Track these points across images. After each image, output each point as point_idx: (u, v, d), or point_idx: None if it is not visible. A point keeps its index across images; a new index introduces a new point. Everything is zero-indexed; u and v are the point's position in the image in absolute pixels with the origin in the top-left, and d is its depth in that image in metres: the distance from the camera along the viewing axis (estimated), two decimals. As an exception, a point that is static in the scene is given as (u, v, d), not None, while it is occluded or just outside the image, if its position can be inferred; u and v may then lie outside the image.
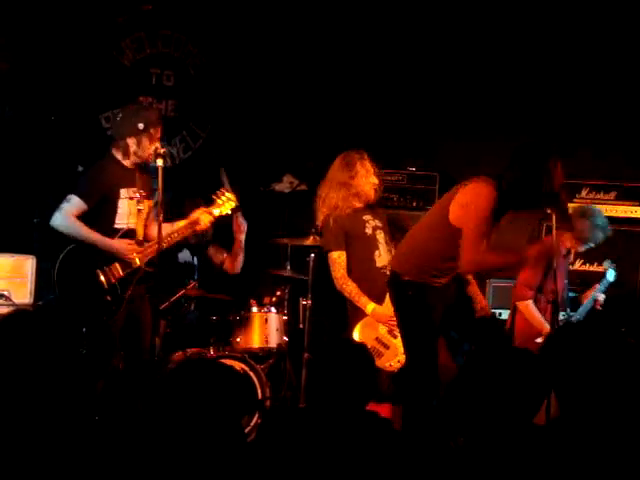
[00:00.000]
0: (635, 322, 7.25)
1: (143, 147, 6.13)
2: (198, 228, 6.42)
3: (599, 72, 8.27)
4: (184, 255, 7.63)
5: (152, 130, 6.13)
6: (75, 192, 6.05)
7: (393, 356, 6.41)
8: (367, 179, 6.57)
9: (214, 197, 6.50)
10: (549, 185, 5.30)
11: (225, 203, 6.52)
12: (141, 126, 6.10)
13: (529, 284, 6.80)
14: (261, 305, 7.25)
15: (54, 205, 6.14)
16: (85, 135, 8.01)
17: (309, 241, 7.01)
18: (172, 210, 6.89)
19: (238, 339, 7.05)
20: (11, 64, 7.84)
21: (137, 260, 6.12)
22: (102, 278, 6.07)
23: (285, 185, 8.42)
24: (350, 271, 6.56)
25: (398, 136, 8.37)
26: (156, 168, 5.90)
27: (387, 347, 6.42)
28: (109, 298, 6.10)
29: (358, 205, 6.58)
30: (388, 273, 6.53)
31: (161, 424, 3.47)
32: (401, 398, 6.45)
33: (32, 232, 7.26)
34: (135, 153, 6.17)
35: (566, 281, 6.92)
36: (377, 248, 6.59)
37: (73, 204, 6.02)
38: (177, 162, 8.46)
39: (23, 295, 6.42)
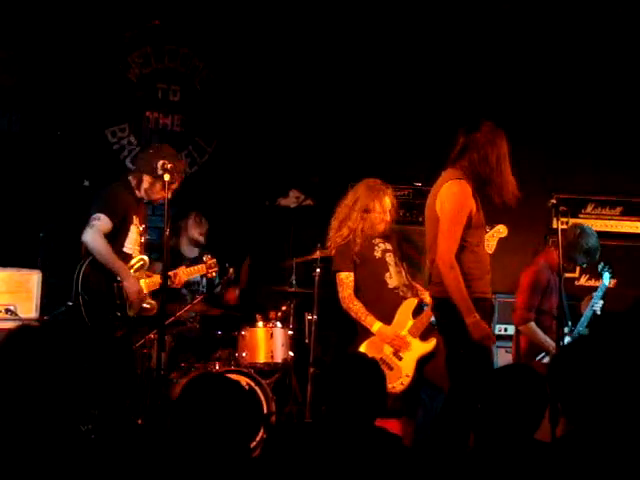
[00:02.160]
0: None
1: (153, 190, 6.28)
2: (177, 281, 6.62)
3: (603, 88, 8.30)
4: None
5: (169, 178, 6.07)
6: (103, 211, 6.07)
7: (396, 378, 6.38)
8: (381, 215, 6.62)
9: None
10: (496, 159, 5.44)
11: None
12: (160, 171, 6.12)
13: (528, 307, 6.78)
14: (267, 320, 7.23)
15: (58, 220, 6.17)
16: (91, 150, 8.03)
17: (315, 256, 7.01)
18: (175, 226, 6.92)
19: (244, 354, 7.04)
20: (18, 79, 7.87)
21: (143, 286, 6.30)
22: (117, 291, 6.16)
23: (291, 200, 8.41)
24: (362, 293, 6.56)
25: (404, 152, 8.37)
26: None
27: (391, 368, 6.39)
28: (119, 314, 6.18)
29: (368, 234, 6.61)
30: (401, 294, 6.56)
31: (166, 438, 3.46)
32: (410, 413, 6.46)
33: (38, 247, 7.28)
34: (145, 190, 6.31)
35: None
36: (387, 270, 6.60)
37: (104, 222, 6.06)
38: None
39: (28, 310, 6.40)
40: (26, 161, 7.83)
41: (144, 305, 6.32)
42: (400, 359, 6.40)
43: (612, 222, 8.01)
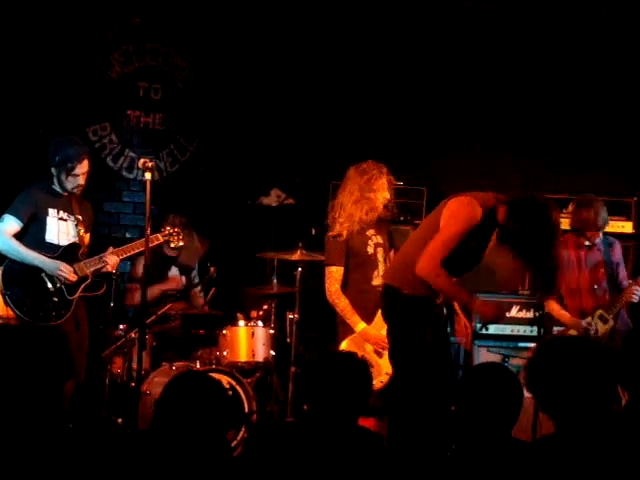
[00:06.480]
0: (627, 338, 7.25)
1: (61, 179, 6.44)
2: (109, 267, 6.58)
3: (585, 88, 8.32)
4: (173, 272, 7.64)
5: (70, 165, 6.37)
6: (7, 212, 6.36)
7: (376, 375, 6.36)
8: (381, 194, 6.51)
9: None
10: (547, 247, 5.27)
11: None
12: (57, 159, 6.39)
13: None
14: (248, 319, 7.23)
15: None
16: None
17: (296, 255, 6.99)
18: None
19: (225, 353, 7.03)
20: (-2, 77, 7.84)
21: (77, 269, 6.39)
22: (47, 279, 6.33)
23: (272, 199, 8.41)
24: (346, 287, 6.54)
25: (386, 150, 8.34)
26: (143, 182, 5.93)
27: (371, 366, 6.37)
28: (56, 299, 6.33)
29: (369, 218, 6.52)
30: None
31: (147, 437, 3.45)
32: (387, 412, 6.46)
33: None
34: (57, 182, 6.46)
35: (603, 270, 6.92)
36: (376, 267, 6.56)
37: (8, 223, 6.33)
38: (164, 175, 8.44)
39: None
40: (7, 159, 7.80)
41: (85, 284, 6.45)
42: (380, 357, 6.40)
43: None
